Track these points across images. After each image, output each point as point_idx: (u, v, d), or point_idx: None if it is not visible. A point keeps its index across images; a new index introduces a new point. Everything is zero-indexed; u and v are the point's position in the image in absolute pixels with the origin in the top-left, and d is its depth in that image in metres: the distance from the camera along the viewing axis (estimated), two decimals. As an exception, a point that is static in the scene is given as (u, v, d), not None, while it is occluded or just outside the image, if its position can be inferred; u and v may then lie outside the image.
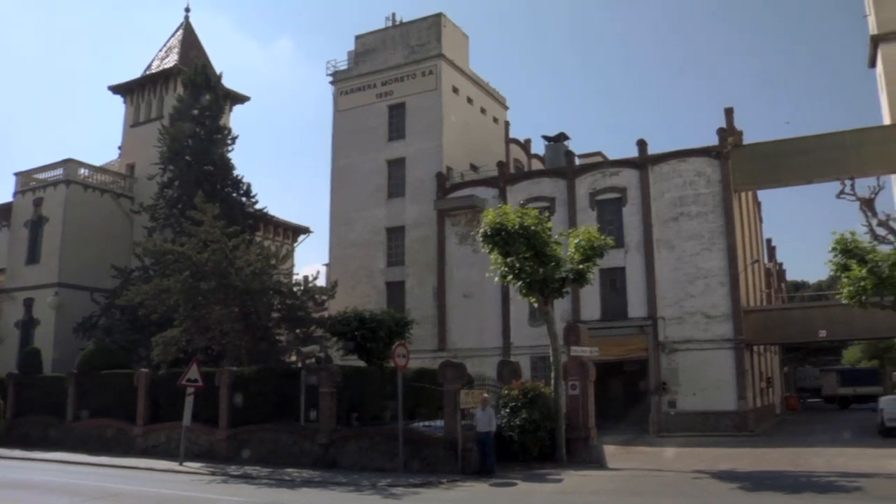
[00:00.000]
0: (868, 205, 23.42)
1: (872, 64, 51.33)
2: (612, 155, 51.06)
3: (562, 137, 54.21)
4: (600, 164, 48.29)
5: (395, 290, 49.81)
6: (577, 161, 49.47)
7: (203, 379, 28.48)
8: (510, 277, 25.75)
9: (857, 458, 26.92)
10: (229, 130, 48.10)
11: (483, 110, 56.63)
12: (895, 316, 31.30)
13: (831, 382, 76.31)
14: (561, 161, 49.59)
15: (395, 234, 50.90)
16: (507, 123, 59.56)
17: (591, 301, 43.97)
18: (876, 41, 48.58)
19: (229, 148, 47.21)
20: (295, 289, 35.24)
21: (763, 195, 60.59)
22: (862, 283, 29.69)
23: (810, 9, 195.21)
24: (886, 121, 47.32)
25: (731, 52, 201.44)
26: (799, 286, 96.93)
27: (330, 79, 55.75)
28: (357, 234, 51.40)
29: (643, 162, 44.99)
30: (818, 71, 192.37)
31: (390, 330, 30.81)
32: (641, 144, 45.40)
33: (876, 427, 38.62)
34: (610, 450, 27.40)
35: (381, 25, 56.34)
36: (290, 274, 45.25)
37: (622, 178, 45.31)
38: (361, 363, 31.12)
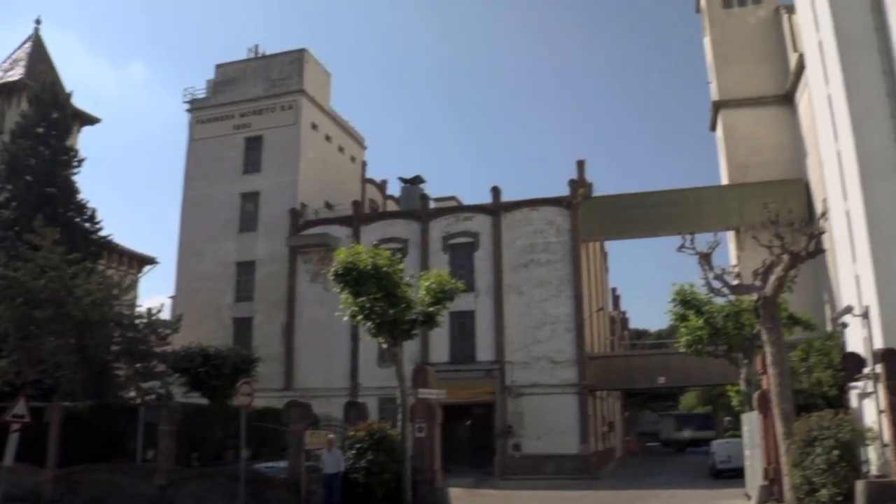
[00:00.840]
0: (706, 259, 24.57)
1: (713, 127, 54.43)
2: (467, 200, 51.98)
3: (418, 180, 54.81)
4: (455, 208, 49.08)
5: (243, 327, 48.70)
6: (432, 204, 50.09)
7: (32, 415, 26.74)
8: (360, 317, 25.53)
9: (690, 500, 28.05)
10: (76, 152, 45.84)
11: (341, 148, 56.61)
12: (728, 364, 33.01)
13: (669, 427, 79.63)
14: (416, 203, 50.03)
15: (246, 269, 49.91)
16: (364, 163, 59.73)
17: (440, 344, 44.29)
18: (717, 107, 51.63)
19: (75, 170, 44.96)
20: (137, 321, 33.87)
21: (609, 246, 62.86)
22: (699, 333, 31.19)
23: (664, 71, 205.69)
24: (724, 181, 50.20)
25: (585, 105, 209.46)
26: (641, 334, 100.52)
27: (186, 106, 54.53)
28: (206, 268, 50.06)
29: (496, 208, 45.99)
30: (668, 130, 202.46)
31: (236, 367, 29.99)
32: (495, 191, 46.43)
33: (708, 469, 40.56)
34: (456, 492, 27.46)
35: (243, 56, 55.69)
36: (132, 305, 43.36)
37: (475, 223, 46.15)
38: (204, 401, 30.13)
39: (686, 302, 31.82)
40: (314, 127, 52.78)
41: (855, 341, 25.72)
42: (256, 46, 55.98)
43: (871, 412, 22.55)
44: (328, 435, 24.73)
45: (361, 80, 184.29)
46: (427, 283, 25.92)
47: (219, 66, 55.05)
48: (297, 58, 52.96)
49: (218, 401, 29.47)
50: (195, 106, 54.21)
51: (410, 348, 40.25)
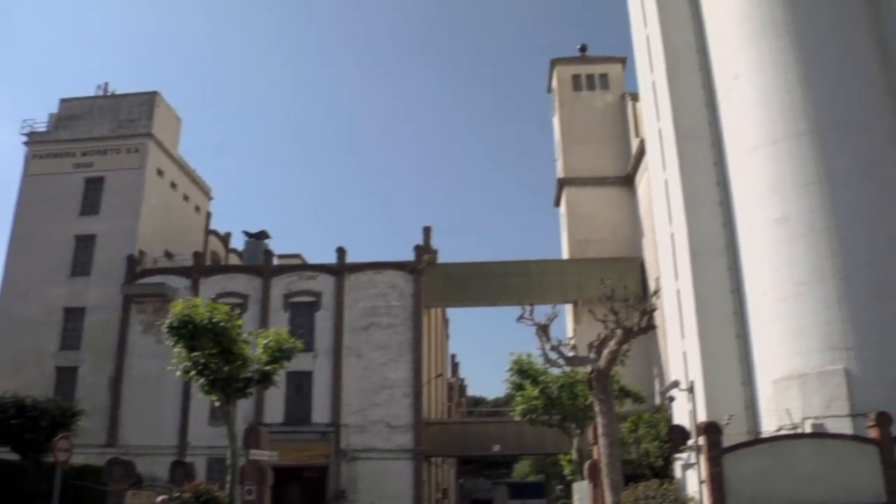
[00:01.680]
0: (543, 330, 25.07)
1: (557, 203, 56.38)
2: (312, 259, 51.50)
3: (263, 235, 53.88)
4: (298, 266, 48.52)
5: (67, 377, 45.93)
6: (276, 261, 49.31)
7: None
8: (193, 373, 24.60)
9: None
10: None
11: (186, 197, 55.12)
12: (561, 434, 33.70)
13: (502, 495, 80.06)
14: (259, 259, 49.13)
15: (74, 316, 47.31)
16: (209, 213, 58.33)
17: (275, 404, 43.22)
18: (562, 184, 53.61)
19: None
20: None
21: (451, 312, 63.55)
22: (534, 402, 31.76)
23: (516, 144, 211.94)
24: (565, 255, 51.91)
25: (437, 172, 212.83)
26: (478, 402, 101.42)
27: (24, 139, 51.71)
28: (30, 312, 47.06)
29: (341, 269, 45.75)
30: (515, 203, 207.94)
31: (54, 420, 28.21)
32: (340, 252, 46.21)
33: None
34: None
35: (92, 93, 53.64)
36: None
37: (319, 282, 45.69)
38: (15, 456, 28.08)
39: (523, 371, 32.45)
40: (160, 172, 51.23)
41: (681, 414, 26.79)
42: (106, 84, 54.07)
43: (693, 482, 23.43)
44: (154, 496, 23.53)
45: (213, 129, 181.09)
46: (265, 341, 25.35)
47: (63, 101, 52.73)
48: (149, 100, 51.48)
49: (31, 456, 27.54)
50: (33, 139, 51.52)
51: (244, 407, 39.10)
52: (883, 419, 20.50)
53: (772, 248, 25.39)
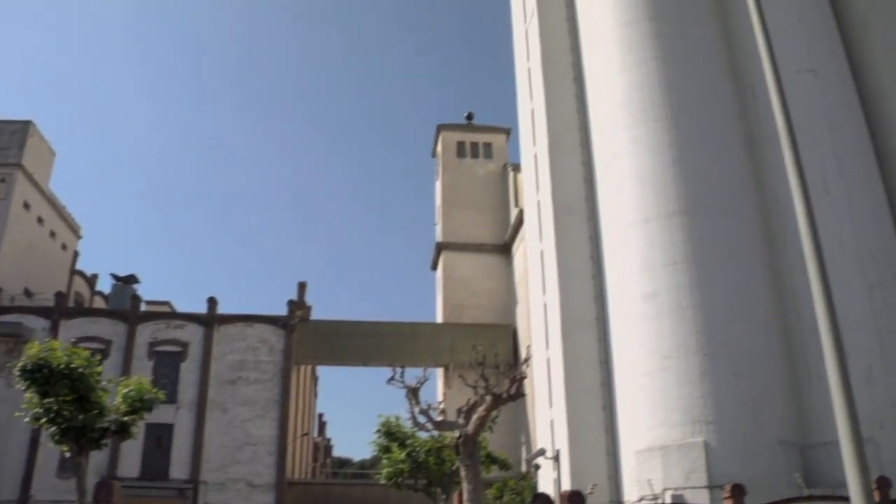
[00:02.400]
0: (413, 393, 24.93)
1: (435, 267, 56.69)
2: (182, 308, 49.96)
3: (131, 280, 52.00)
4: (167, 314, 46.95)
5: None
6: (144, 307, 47.59)
7: None
8: (44, 420, 23.26)
9: None
10: None
11: (53, 234, 52.82)
12: (427, 498, 33.28)
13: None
14: (126, 304, 47.31)
15: (-83, 354, 44.29)
16: (76, 253, 56.01)
17: (131, 456, 41.26)
18: (440, 248, 54.02)
19: None
20: None
21: (321, 371, 62.61)
22: (400, 466, 31.35)
23: (398, 206, 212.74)
24: (439, 319, 52.06)
25: (316, 228, 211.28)
26: (344, 463, 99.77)
27: None
28: None
29: (211, 320, 44.49)
30: (393, 264, 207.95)
31: None
32: (212, 302, 45.01)
33: None
34: None
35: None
36: None
37: (187, 332, 44.25)
38: None
39: (391, 434, 32.03)
40: (26, 206, 48.98)
41: (546, 482, 27.01)
42: (-26, 112, 51.60)
43: (557, 550, 23.52)
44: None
45: (90, 165, 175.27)
46: (126, 390, 24.25)
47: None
48: (21, 129, 49.28)
49: None
50: None
51: (97, 459, 37.14)
52: (737, 491, 21.13)
53: (640, 323, 26.12)
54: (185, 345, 43.81)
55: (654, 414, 24.72)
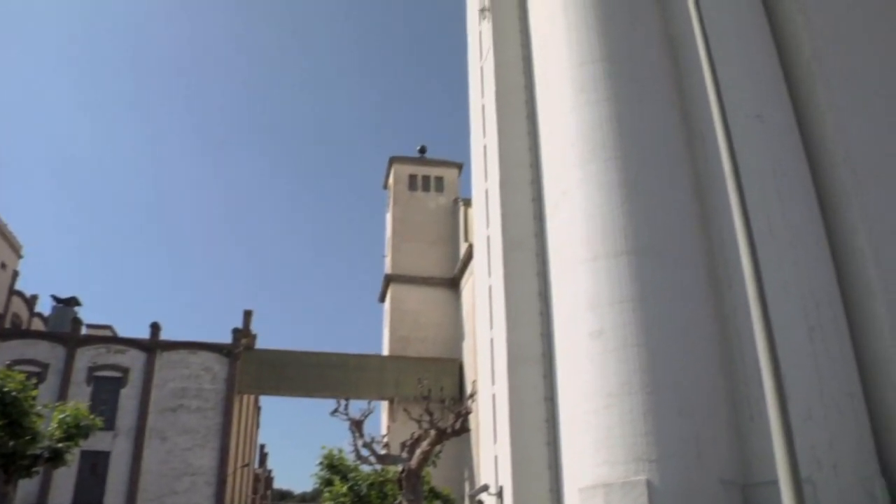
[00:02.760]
0: (357, 426, 24.74)
1: (383, 299, 56.49)
2: (125, 332, 49.05)
3: (73, 302, 51.03)
4: (108, 338, 46.05)
5: None
6: (85, 330, 46.66)
7: None
8: (-27, 446, 22.57)
9: None
10: None
11: (-9, 253, 51.66)
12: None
13: None
14: (66, 326, 46.37)
15: None
16: (16, 273, 54.75)
17: (64, 485, 40.21)
18: (388, 280, 53.89)
19: None
20: None
21: (264, 400, 61.76)
22: (342, 499, 30.99)
23: (348, 236, 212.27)
24: (386, 352, 51.80)
25: (264, 255, 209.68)
26: (285, 495, 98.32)
27: None
28: None
29: (153, 346, 43.75)
30: (342, 294, 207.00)
31: None
32: (155, 328, 44.30)
33: None
34: None
35: None
36: None
37: (128, 357, 43.43)
38: None
39: (333, 467, 31.69)
40: (-36, 224, 47.95)
41: (488, 519, 26.82)
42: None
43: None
44: None
45: (33, 183, 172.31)
46: (61, 416, 23.71)
47: None
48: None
49: None
50: None
51: (27, 488, 36.14)
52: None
53: (586, 360, 26.20)
54: (125, 370, 42.97)
55: (598, 451, 24.73)
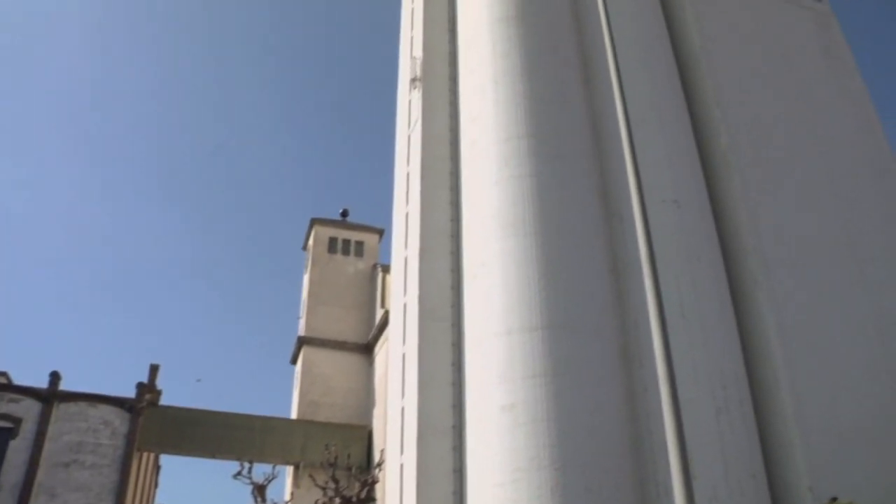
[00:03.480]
0: (260, 491, 24.19)
1: (294, 361, 55.62)
2: (21, 380, 46.99)
3: (-31, 348, 48.93)
4: (1, 385, 44.07)
5: None
6: (-22, 377, 44.63)
7: None
8: None
9: None
10: None
11: None
12: None
13: None
14: (-44, 372, 44.34)
15: None
16: None
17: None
18: (301, 342, 53.17)
19: None
20: None
21: (165, 459, 59.68)
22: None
23: (268, 293, 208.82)
24: (294, 415, 50.78)
25: (173, 312, 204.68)
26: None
27: None
28: None
29: (51, 396, 41.94)
30: (254, 354, 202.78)
31: None
32: (54, 377, 42.54)
33: None
34: None
35: None
36: None
37: (22, 407, 41.49)
38: None
39: (232, 532, 30.70)
40: None
41: None
42: None
43: None
44: None
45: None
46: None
47: None
48: None
49: None
50: None
51: None
52: None
53: (496, 434, 26.09)
54: (17, 421, 41.03)
55: (505, 526, 24.51)
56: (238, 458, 27.23)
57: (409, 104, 38.45)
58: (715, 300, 28.28)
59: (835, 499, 23.48)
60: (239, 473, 24.55)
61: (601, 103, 31.87)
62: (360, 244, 57.61)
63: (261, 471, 25.45)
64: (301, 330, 54.43)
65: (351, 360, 51.91)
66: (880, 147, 38.42)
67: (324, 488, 22.95)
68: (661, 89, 33.30)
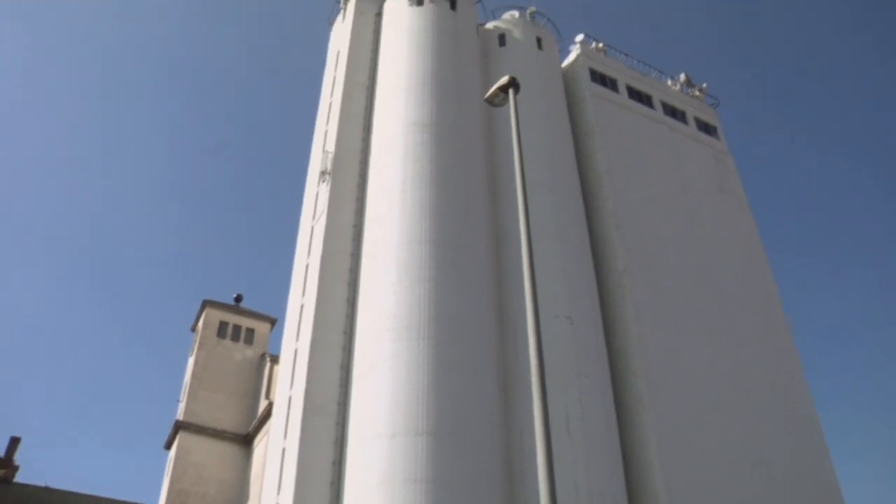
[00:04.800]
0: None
1: (168, 446, 53.43)
2: None
3: None
4: None
5: None
6: None
7: None
8: None
9: None
10: None
11: None
12: None
13: None
14: None
15: None
16: None
17: None
18: (178, 427, 51.15)
19: None
20: None
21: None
22: None
23: (148, 372, 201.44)
24: (161, 503, 48.44)
25: (42, 383, 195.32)
26: None
27: None
28: None
29: None
30: (127, 435, 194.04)
31: None
32: None
33: None
34: None
35: None
36: None
37: None
38: None
39: None
40: None
41: None
42: None
43: None
44: None
45: None
46: None
47: None
48: None
49: None
50: None
51: None
52: None
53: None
54: None
55: None
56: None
57: (316, 196, 38.39)
58: (601, 418, 28.57)
59: None
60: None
61: (505, 216, 32.53)
62: (250, 331, 56.36)
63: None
64: (179, 414, 52.43)
65: (228, 451, 50.07)
66: (765, 281, 40.23)
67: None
68: (564, 208, 34.25)
